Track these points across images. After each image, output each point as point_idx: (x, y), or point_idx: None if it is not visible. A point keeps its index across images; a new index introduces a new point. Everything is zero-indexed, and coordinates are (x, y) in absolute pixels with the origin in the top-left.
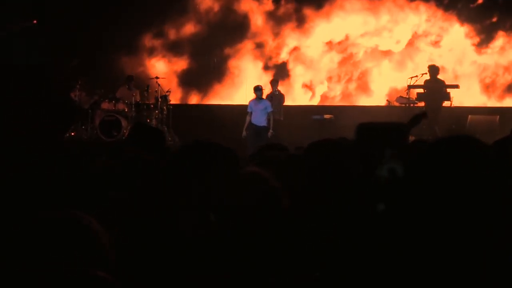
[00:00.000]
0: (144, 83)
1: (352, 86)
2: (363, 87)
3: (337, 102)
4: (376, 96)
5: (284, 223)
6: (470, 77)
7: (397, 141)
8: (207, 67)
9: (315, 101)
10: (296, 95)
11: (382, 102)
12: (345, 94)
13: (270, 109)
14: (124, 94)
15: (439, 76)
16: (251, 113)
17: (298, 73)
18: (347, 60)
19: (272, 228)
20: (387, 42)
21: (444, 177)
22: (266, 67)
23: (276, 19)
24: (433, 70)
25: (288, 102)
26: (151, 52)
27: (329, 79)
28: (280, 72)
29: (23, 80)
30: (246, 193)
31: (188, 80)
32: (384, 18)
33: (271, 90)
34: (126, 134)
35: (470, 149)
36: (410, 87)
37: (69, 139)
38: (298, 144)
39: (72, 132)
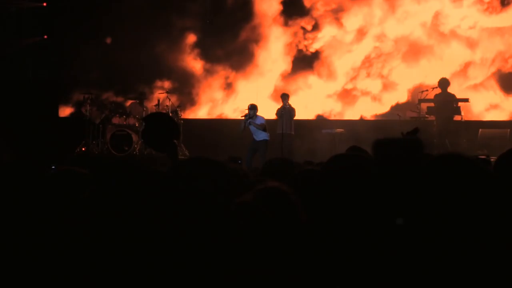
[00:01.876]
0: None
1: (375, 81)
2: (387, 84)
3: (356, 96)
4: (400, 90)
5: (303, 238)
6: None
7: (413, 156)
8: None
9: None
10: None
11: (404, 98)
12: (365, 92)
13: (263, 121)
14: (135, 108)
15: (449, 90)
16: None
17: (322, 64)
18: (372, 52)
19: (291, 243)
20: (412, 31)
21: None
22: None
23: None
24: (443, 83)
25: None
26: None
27: (353, 71)
28: (309, 60)
29: (34, 95)
30: (266, 208)
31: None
32: (404, 7)
33: (281, 104)
34: (137, 149)
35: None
36: (420, 101)
37: (79, 154)
38: (309, 158)
39: (83, 147)
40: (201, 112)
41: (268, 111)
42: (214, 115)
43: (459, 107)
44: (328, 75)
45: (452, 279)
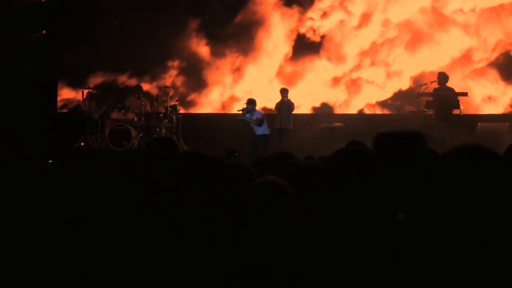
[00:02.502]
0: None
1: (379, 69)
2: (391, 72)
3: (360, 84)
4: (403, 77)
5: (300, 231)
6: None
7: (415, 149)
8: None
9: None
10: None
11: (406, 85)
12: (369, 81)
13: (259, 116)
14: (134, 103)
15: (448, 84)
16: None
17: (326, 50)
18: (378, 38)
19: (288, 236)
20: (413, 16)
21: (456, 186)
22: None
23: None
24: (442, 78)
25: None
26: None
27: (357, 58)
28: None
29: (33, 91)
30: (264, 201)
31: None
32: None
33: (280, 98)
34: (136, 143)
35: (481, 159)
36: (419, 95)
37: (78, 149)
38: (308, 152)
39: (82, 142)
40: (212, 94)
41: (273, 97)
42: (225, 97)
43: (458, 100)
44: (335, 60)
45: (453, 279)
